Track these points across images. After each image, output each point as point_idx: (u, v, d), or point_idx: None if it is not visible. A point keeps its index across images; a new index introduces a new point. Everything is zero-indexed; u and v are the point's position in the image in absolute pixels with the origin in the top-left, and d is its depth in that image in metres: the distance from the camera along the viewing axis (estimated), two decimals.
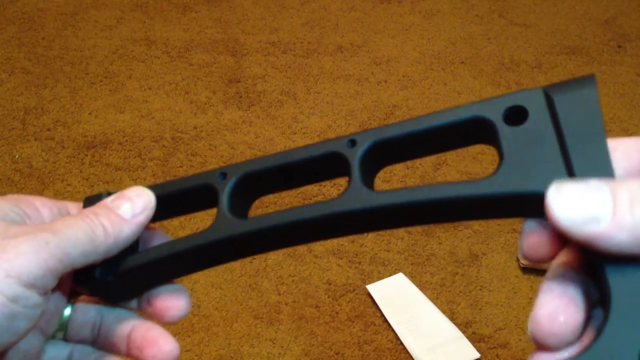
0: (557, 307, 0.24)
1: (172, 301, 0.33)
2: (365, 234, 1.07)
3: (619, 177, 0.24)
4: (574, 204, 0.22)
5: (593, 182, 0.23)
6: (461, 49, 1.52)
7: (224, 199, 0.31)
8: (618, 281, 0.23)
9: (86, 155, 1.21)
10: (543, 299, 0.24)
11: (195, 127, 1.27)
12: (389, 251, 1.05)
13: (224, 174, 0.32)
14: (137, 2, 1.61)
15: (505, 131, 0.27)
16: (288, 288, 0.99)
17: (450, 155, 1.23)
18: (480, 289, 1.00)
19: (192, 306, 0.96)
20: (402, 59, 1.48)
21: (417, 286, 1.00)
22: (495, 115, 0.28)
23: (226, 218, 0.31)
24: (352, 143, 0.30)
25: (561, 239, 0.25)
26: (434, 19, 1.61)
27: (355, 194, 0.29)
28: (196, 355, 0.91)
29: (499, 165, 0.27)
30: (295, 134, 1.27)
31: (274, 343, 0.93)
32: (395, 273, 1.02)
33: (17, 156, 1.20)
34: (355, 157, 0.29)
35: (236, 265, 1.02)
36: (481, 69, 1.46)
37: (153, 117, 1.29)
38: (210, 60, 1.44)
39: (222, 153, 1.22)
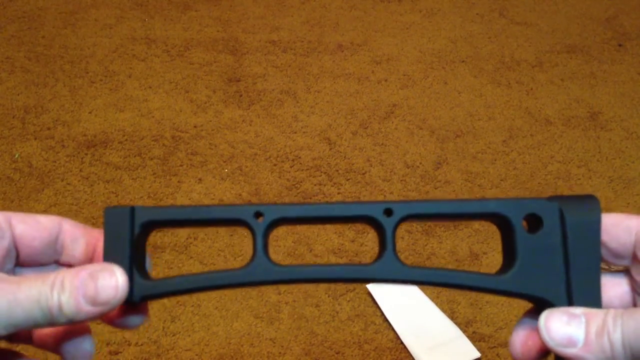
0: (527, 335, 0.33)
1: (79, 350, 0.33)
2: (366, 233, 1.07)
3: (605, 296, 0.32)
4: (558, 331, 0.30)
5: (575, 311, 0.30)
6: (461, 47, 1.51)
7: (260, 241, 0.33)
8: None
9: (86, 154, 1.20)
10: (518, 328, 0.33)
11: (195, 126, 1.27)
12: None
13: (259, 214, 0.33)
14: (137, 0, 1.61)
15: (522, 235, 0.33)
16: (288, 287, 0.99)
17: (450, 155, 1.23)
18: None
19: (193, 305, 0.96)
20: (402, 57, 1.48)
21: (418, 285, 1.00)
22: (515, 217, 0.33)
23: (263, 262, 0.33)
24: (389, 212, 0.33)
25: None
26: (434, 18, 1.61)
27: (389, 265, 0.33)
28: (196, 355, 0.91)
29: (513, 265, 0.32)
30: (295, 133, 1.26)
31: (274, 342, 0.93)
32: None
33: (17, 155, 1.20)
34: (391, 227, 0.33)
35: (236, 264, 1.02)
36: (482, 67, 1.46)
37: (153, 116, 1.29)
38: (211, 59, 1.44)
39: (222, 152, 1.22)
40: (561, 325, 0.30)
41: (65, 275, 0.30)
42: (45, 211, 1.09)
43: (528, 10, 1.65)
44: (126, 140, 1.24)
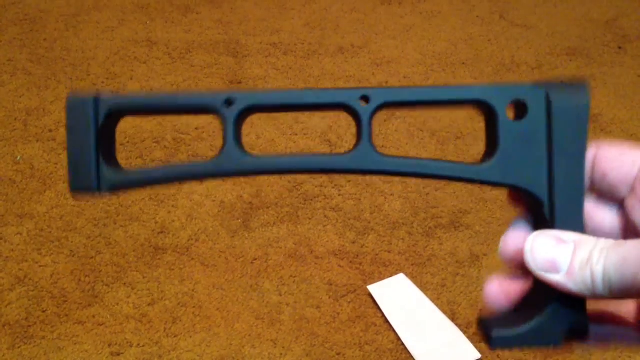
0: (520, 236, 0.32)
1: None
2: (367, 235, 1.07)
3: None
4: (543, 254, 0.29)
5: (565, 237, 0.29)
6: (462, 50, 1.52)
7: (231, 129, 0.32)
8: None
9: None
10: (513, 230, 0.33)
11: (196, 128, 1.27)
12: (390, 252, 1.05)
13: (229, 101, 0.32)
14: (139, 3, 1.61)
15: (505, 122, 0.31)
16: (289, 289, 0.99)
17: (450, 156, 1.23)
18: (481, 290, 1.00)
19: (194, 307, 0.97)
20: (402, 60, 1.48)
21: (418, 287, 1.00)
22: (499, 104, 0.31)
23: (235, 152, 0.32)
24: (366, 99, 0.31)
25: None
26: (434, 20, 1.61)
27: (365, 155, 0.31)
28: (197, 356, 0.91)
29: (494, 153, 0.31)
30: (296, 134, 1.27)
31: (275, 344, 0.93)
32: (396, 274, 1.02)
33: (19, 157, 1.20)
34: (367, 115, 0.31)
35: (237, 266, 1.02)
36: (482, 70, 1.46)
37: (154, 118, 1.30)
38: (212, 61, 1.45)
39: None
40: (547, 248, 0.29)
41: None
42: (46, 213, 1.09)
43: (528, 12, 1.65)
44: (127, 142, 1.24)
